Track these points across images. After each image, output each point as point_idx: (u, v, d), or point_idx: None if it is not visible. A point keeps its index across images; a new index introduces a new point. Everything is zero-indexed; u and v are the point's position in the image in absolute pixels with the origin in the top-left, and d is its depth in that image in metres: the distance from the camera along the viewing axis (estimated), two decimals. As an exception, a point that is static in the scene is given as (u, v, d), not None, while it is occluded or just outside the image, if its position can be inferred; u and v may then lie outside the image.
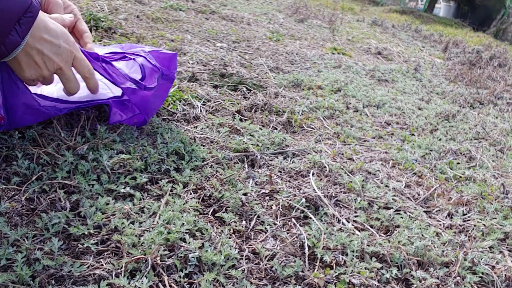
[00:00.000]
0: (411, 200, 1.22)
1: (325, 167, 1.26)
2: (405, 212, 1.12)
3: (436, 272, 0.91)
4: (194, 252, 0.80)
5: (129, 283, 0.71)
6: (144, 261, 0.76)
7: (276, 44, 2.88)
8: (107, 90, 1.12)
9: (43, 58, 0.87)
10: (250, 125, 1.43)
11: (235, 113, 1.52)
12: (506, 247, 1.06)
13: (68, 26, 1.01)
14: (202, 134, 1.30)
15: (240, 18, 3.48)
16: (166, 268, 0.77)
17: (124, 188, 0.94)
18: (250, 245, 0.89)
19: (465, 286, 0.89)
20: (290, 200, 1.06)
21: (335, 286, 0.82)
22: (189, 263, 0.78)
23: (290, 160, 1.28)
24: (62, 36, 0.89)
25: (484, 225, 1.13)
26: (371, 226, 1.04)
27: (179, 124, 1.33)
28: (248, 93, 1.77)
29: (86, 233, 0.80)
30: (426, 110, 2.10)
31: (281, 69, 2.26)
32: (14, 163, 0.91)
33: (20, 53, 0.84)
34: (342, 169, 1.27)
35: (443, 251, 0.98)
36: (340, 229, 0.99)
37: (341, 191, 1.16)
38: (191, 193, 1.00)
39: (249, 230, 0.94)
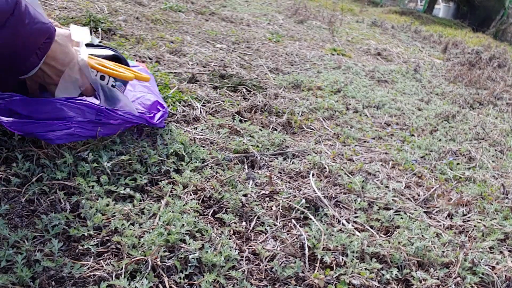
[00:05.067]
0: (411, 200, 1.22)
1: (325, 168, 1.26)
2: (405, 213, 1.12)
3: (436, 272, 0.91)
4: (194, 253, 0.80)
5: (129, 284, 0.71)
6: (144, 262, 0.76)
7: (276, 45, 2.88)
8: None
9: (44, 77, 0.96)
10: (250, 126, 1.43)
11: (235, 114, 1.52)
12: (506, 248, 1.06)
13: None
14: (202, 135, 1.30)
15: (239, 19, 3.48)
16: (166, 269, 0.76)
17: (124, 189, 0.94)
18: (250, 246, 0.89)
19: (465, 287, 0.89)
20: (290, 201, 1.05)
21: (335, 287, 0.82)
22: (189, 264, 0.78)
23: (290, 161, 1.28)
24: (67, 65, 0.98)
25: (484, 225, 1.13)
26: (371, 227, 1.04)
27: (179, 125, 1.33)
28: (248, 94, 1.77)
29: (86, 234, 0.80)
30: (425, 111, 2.10)
31: (280, 70, 2.26)
32: (14, 164, 0.91)
33: None
34: (342, 170, 1.27)
35: (443, 251, 0.98)
36: (340, 230, 0.99)
37: (341, 192, 1.16)
38: (191, 194, 1.00)
39: (249, 231, 0.94)
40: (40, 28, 0.86)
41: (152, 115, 1.17)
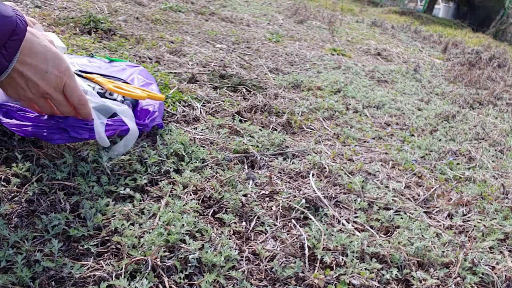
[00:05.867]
0: (411, 200, 1.22)
1: (325, 168, 1.26)
2: (405, 213, 1.12)
3: (436, 272, 0.91)
4: (194, 253, 0.80)
5: (129, 284, 0.71)
6: (144, 262, 0.76)
7: (276, 45, 2.88)
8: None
9: (26, 82, 0.82)
10: (250, 126, 1.43)
11: (235, 114, 1.52)
12: (506, 248, 1.06)
13: None
14: (202, 135, 1.30)
15: (239, 19, 3.48)
16: (166, 269, 0.76)
17: (124, 189, 0.94)
18: (250, 246, 0.89)
19: (465, 287, 0.89)
20: (290, 201, 1.05)
21: (335, 287, 0.82)
22: (189, 264, 0.78)
23: (290, 161, 1.28)
24: (51, 61, 0.83)
25: (484, 225, 1.13)
26: (371, 227, 1.04)
27: (178, 125, 1.33)
28: (248, 94, 1.77)
29: (86, 234, 0.80)
30: (425, 111, 2.10)
31: (280, 70, 2.26)
32: (14, 164, 0.91)
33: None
34: (342, 170, 1.27)
35: (443, 251, 0.98)
36: (340, 230, 0.99)
37: (341, 192, 1.16)
38: (191, 194, 1.00)
39: (249, 231, 0.94)
40: None
41: (142, 120, 1.17)
